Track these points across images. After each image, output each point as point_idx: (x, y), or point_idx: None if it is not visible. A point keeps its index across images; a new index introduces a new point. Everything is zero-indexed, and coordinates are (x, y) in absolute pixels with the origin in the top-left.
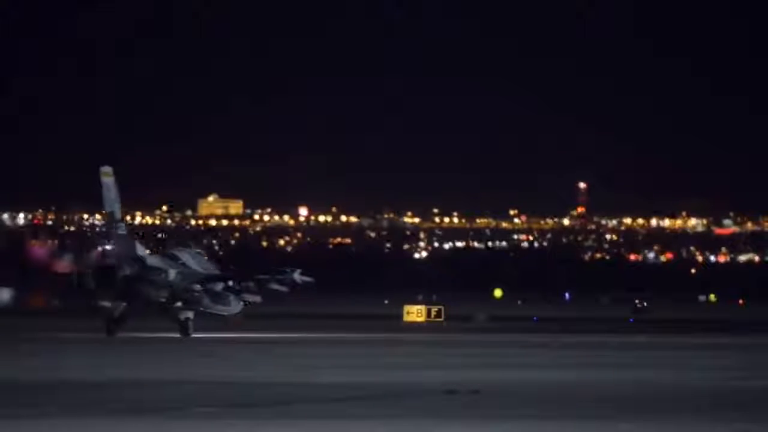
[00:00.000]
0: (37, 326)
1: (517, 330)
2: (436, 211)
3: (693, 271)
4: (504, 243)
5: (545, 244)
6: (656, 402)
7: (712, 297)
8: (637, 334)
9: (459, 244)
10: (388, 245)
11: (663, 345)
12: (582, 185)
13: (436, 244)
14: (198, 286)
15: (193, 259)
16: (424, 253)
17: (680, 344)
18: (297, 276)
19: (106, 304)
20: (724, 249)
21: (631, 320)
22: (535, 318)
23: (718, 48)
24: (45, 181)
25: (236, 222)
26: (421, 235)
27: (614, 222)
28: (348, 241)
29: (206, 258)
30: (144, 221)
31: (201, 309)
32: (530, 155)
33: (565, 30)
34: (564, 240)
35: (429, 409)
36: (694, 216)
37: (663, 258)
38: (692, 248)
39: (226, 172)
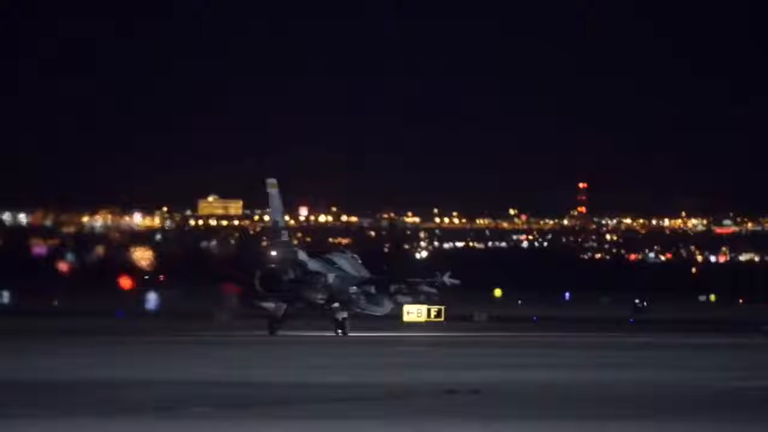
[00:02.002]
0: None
1: (517, 330)
2: (436, 211)
3: (693, 271)
4: (503, 243)
5: (545, 244)
6: (656, 402)
7: (712, 297)
8: (637, 334)
9: (459, 244)
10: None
11: (663, 345)
12: (582, 185)
13: (436, 244)
14: (354, 289)
15: (349, 264)
16: (424, 253)
17: (680, 344)
18: (446, 279)
19: (270, 305)
20: (724, 249)
21: (631, 320)
22: (535, 318)
23: (718, 46)
24: (45, 181)
25: (236, 222)
26: (422, 235)
27: (614, 222)
28: (347, 241)
29: (360, 262)
30: (144, 221)
31: (356, 310)
32: (530, 155)
33: (565, 30)
34: (564, 240)
35: (429, 409)
36: (694, 216)
37: (663, 258)
38: (692, 248)
39: (226, 172)
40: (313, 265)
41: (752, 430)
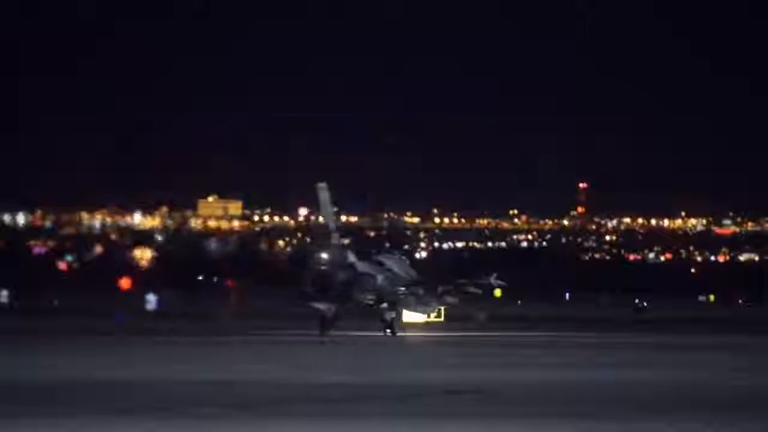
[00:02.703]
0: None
1: (518, 329)
2: (436, 211)
3: (693, 271)
4: (503, 243)
5: (545, 243)
6: (656, 402)
7: (712, 297)
8: (637, 334)
9: (459, 244)
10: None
11: (663, 345)
12: (582, 185)
13: (436, 244)
14: (403, 290)
15: (397, 265)
16: (424, 253)
17: (680, 344)
18: (493, 280)
19: (321, 306)
20: (724, 249)
21: (631, 320)
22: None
23: (718, 40)
24: (45, 181)
25: (236, 223)
26: (422, 235)
27: (614, 222)
28: (347, 242)
29: (409, 263)
30: (144, 221)
31: (405, 310)
32: (531, 155)
33: (564, 30)
34: (564, 240)
35: (429, 409)
36: (694, 216)
37: (663, 258)
38: (692, 248)
39: (226, 172)
40: (363, 266)
41: (752, 430)
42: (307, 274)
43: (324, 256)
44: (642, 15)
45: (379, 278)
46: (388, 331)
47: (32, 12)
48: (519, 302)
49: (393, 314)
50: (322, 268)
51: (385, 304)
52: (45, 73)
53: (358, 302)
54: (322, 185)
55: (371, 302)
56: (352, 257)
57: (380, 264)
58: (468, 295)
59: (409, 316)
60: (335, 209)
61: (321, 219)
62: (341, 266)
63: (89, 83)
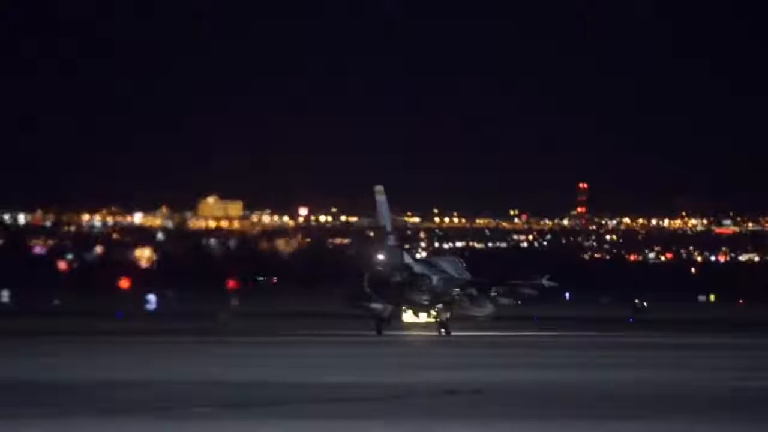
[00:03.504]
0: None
1: (518, 329)
2: (436, 211)
3: (693, 271)
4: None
5: (545, 243)
6: (657, 402)
7: (712, 297)
8: (637, 334)
9: (459, 244)
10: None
11: (663, 345)
12: (582, 185)
13: (436, 244)
14: (457, 290)
15: (452, 266)
16: (424, 253)
17: (680, 344)
18: (545, 281)
19: (377, 306)
20: (724, 249)
21: (631, 320)
22: (536, 318)
23: (720, 45)
24: (45, 181)
25: (236, 223)
26: (422, 235)
27: (614, 222)
28: (347, 241)
29: (463, 265)
30: (144, 221)
31: (459, 311)
32: (530, 155)
33: (563, 29)
34: (564, 240)
35: (429, 409)
36: (694, 216)
37: (663, 258)
38: (692, 248)
39: (226, 172)
40: (418, 267)
41: (752, 430)
42: (364, 275)
43: (380, 257)
44: (642, 15)
45: (434, 279)
46: (443, 331)
47: (32, 12)
48: (519, 302)
49: (447, 314)
50: (379, 269)
51: (440, 305)
52: (44, 73)
53: (413, 303)
54: (380, 189)
55: (426, 303)
56: (407, 258)
57: (435, 265)
58: (522, 295)
59: (408, 316)
60: (391, 212)
61: (378, 222)
62: (397, 267)
63: (88, 83)
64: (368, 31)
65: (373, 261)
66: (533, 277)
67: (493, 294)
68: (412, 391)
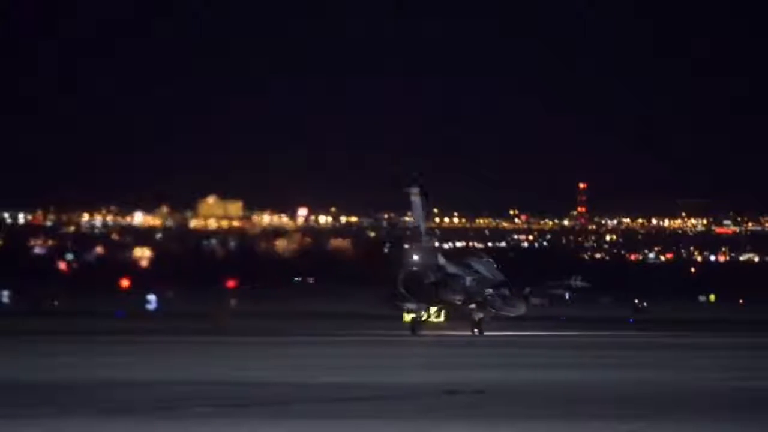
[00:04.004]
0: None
1: (519, 329)
2: (435, 211)
3: (693, 271)
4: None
5: (545, 243)
6: (657, 402)
7: (712, 297)
8: (637, 334)
9: (459, 244)
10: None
11: (663, 345)
12: (582, 185)
13: (436, 244)
14: (490, 291)
15: (485, 267)
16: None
17: (680, 344)
18: (578, 282)
19: (411, 306)
20: (724, 249)
21: (631, 320)
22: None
23: (718, 46)
24: (45, 181)
25: (236, 223)
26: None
27: (614, 222)
28: (347, 241)
29: (496, 266)
30: (145, 221)
31: (492, 311)
32: (530, 155)
33: (563, 29)
34: (564, 240)
35: (429, 409)
36: (694, 216)
37: (663, 258)
38: (692, 248)
39: (226, 172)
40: (452, 268)
41: (752, 430)
42: (399, 275)
43: (415, 257)
44: (642, 14)
45: (468, 279)
46: (476, 330)
47: (32, 11)
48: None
49: (481, 314)
50: (413, 269)
51: (473, 305)
52: (44, 73)
53: (447, 303)
54: (415, 191)
55: (460, 302)
56: (441, 259)
57: (468, 266)
58: (553, 296)
59: (409, 316)
60: (426, 213)
61: (414, 222)
62: (432, 268)
63: (89, 83)
64: (369, 31)
65: (408, 261)
66: (565, 278)
67: (524, 294)
68: (435, 390)
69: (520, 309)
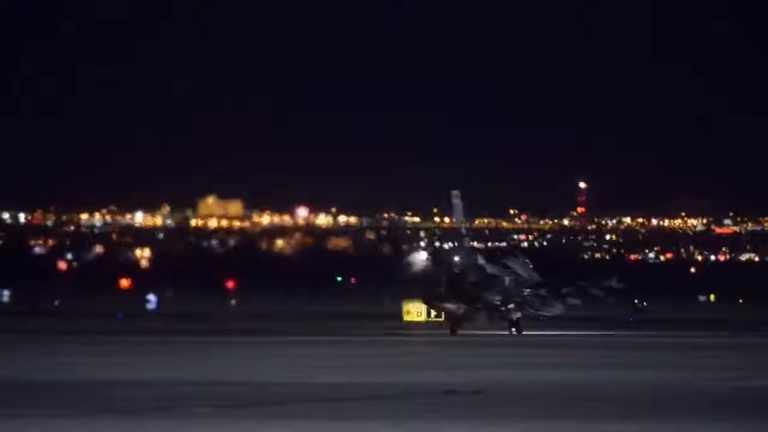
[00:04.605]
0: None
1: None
2: (436, 211)
3: (693, 270)
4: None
5: (545, 243)
6: (658, 402)
7: (712, 297)
8: (637, 334)
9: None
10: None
11: (663, 345)
12: (582, 185)
13: (437, 244)
14: (528, 291)
15: (522, 268)
16: (424, 254)
17: (680, 344)
18: (614, 282)
19: (451, 306)
20: (724, 249)
21: (631, 320)
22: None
23: (717, 46)
24: (45, 181)
25: (236, 223)
26: (422, 235)
27: (614, 222)
28: (347, 241)
29: (532, 267)
30: (145, 221)
31: (530, 310)
32: (530, 155)
33: (563, 30)
34: (564, 240)
35: (429, 409)
36: (694, 216)
37: (663, 258)
38: (692, 248)
39: (226, 172)
40: (492, 269)
41: (752, 430)
42: (439, 276)
43: (455, 259)
44: (642, 14)
45: (506, 280)
46: (514, 330)
47: (31, 10)
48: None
49: (519, 314)
50: (454, 270)
51: (511, 305)
52: (44, 73)
53: (486, 303)
54: (456, 193)
55: (499, 302)
56: (481, 260)
57: (507, 267)
58: (591, 296)
59: (409, 315)
60: (466, 216)
61: (455, 224)
62: (471, 269)
63: (89, 83)
64: (371, 30)
65: (449, 262)
66: (602, 279)
67: (562, 294)
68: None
69: (558, 309)
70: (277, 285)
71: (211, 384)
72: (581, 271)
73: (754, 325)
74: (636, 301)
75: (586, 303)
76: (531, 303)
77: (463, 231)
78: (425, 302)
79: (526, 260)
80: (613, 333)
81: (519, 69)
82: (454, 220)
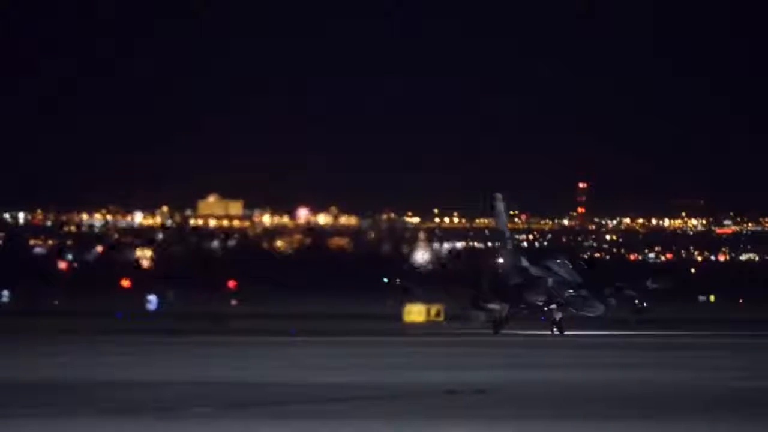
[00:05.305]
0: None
1: (520, 329)
2: (436, 211)
3: (693, 271)
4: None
5: (545, 243)
6: (658, 402)
7: (712, 297)
8: (638, 334)
9: (459, 244)
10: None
11: (664, 345)
12: (582, 185)
13: (437, 245)
14: (570, 292)
15: (564, 269)
16: (423, 255)
17: (680, 344)
18: (649, 283)
19: (495, 306)
20: (724, 249)
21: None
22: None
23: (717, 47)
24: (45, 181)
25: (236, 223)
26: (421, 235)
27: (614, 222)
28: (346, 241)
29: (572, 268)
30: (145, 221)
31: (572, 311)
32: (530, 155)
33: (564, 30)
34: (564, 240)
35: (429, 409)
36: (694, 216)
37: (663, 258)
38: (692, 248)
39: (226, 172)
40: (535, 270)
41: (752, 430)
42: (483, 277)
43: (499, 260)
44: (642, 15)
45: (550, 281)
46: (556, 330)
47: (31, 10)
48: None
49: (561, 315)
50: (498, 271)
51: (554, 306)
52: (44, 73)
53: (529, 303)
54: (499, 196)
55: (541, 303)
56: (525, 262)
57: (549, 268)
58: (631, 297)
59: (410, 316)
60: (509, 218)
61: (497, 227)
62: (515, 270)
63: (88, 83)
64: (369, 31)
65: (494, 264)
66: (639, 280)
67: (604, 295)
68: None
69: (599, 309)
70: (277, 285)
71: (211, 384)
72: (619, 272)
73: (755, 325)
74: (636, 301)
75: (623, 304)
76: (574, 303)
77: (507, 233)
78: (469, 303)
79: (566, 262)
80: (613, 333)
81: (519, 69)
82: (497, 222)
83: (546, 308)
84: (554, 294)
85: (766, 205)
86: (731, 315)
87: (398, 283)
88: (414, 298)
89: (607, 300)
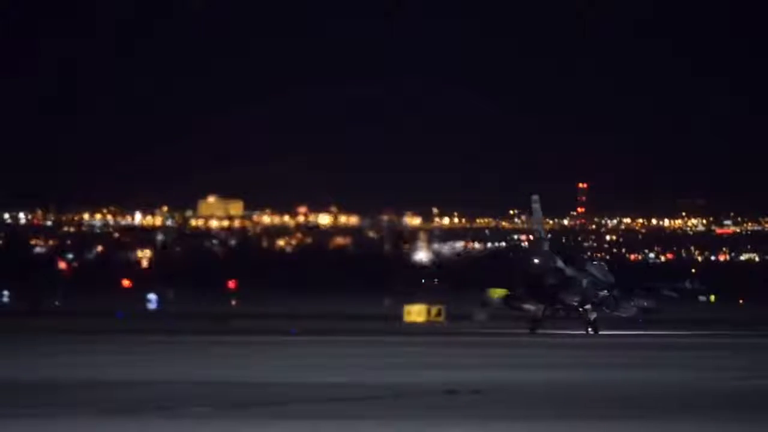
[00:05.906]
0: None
1: (520, 329)
2: (436, 211)
3: (693, 271)
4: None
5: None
6: (658, 402)
7: (712, 297)
8: (638, 334)
9: (458, 244)
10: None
11: (664, 345)
12: (582, 185)
13: (436, 245)
14: (604, 292)
15: (597, 270)
16: (424, 255)
17: (681, 344)
18: (687, 284)
19: (530, 306)
20: (724, 249)
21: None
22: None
23: (718, 48)
24: (45, 181)
25: (236, 223)
26: (422, 235)
27: (614, 222)
28: (346, 241)
29: (607, 269)
30: (145, 221)
31: (606, 311)
32: (531, 156)
33: (564, 30)
34: (564, 240)
35: (429, 409)
36: (694, 216)
37: (663, 258)
38: (692, 248)
39: (226, 172)
40: (570, 271)
41: (753, 430)
42: (519, 277)
43: (535, 261)
44: (642, 15)
45: (584, 282)
46: (590, 329)
47: (31, 10)
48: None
49: (595, 315)
50: (534, 272)
51: (588, 306)
52: (44, 73)
53: (564, 304)
54: (536, 198)
55: (576, 303)
56: (560, 263)
57: (583, 269)
58: (664, 298)
59: (410, 316)
60: (545, 219)
61: (533, 227)
62: (551, 271)
63: (88, 83)
64: (369, 31)
65: (530, 264)
66: (676, 280)
67: (637, 296)
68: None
69: (632, 310)
70: (277, 285)
71: (212, 384)
72: (648, 272)
73: (755, 325)
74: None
75: (659, 304)
76: (608, 304)
77: (542, 234)
78: (505, 303)
79: (601, 262)
80: (613, 333)
81: (519, 69)
82: (534, 223)
83: (581, 309)
84: (589, 294)
85: (766, 205)
86: (731, 315)
87: (400, 288)
88: (414, 299)
89: (640, 301)
